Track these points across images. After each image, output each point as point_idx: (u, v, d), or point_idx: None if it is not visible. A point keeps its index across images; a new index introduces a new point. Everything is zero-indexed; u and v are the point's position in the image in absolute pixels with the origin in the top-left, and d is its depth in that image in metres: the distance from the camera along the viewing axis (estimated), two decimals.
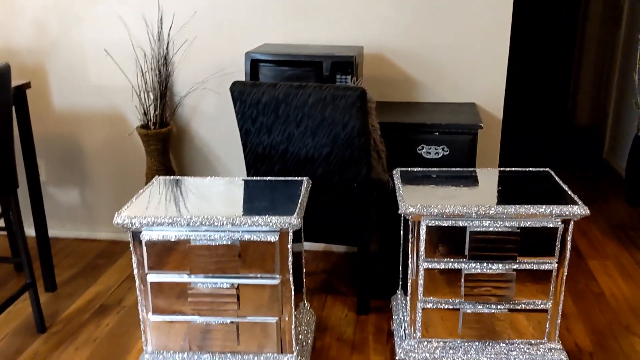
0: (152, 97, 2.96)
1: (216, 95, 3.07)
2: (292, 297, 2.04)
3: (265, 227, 1.93)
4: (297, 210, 1.98)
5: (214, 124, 3.12)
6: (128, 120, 3.15)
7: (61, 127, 3.23)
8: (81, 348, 2.43)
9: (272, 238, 1.95)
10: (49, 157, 3.27)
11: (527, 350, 2.16)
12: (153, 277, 2.03)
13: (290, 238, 1.97)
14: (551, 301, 2.11)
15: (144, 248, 2.00)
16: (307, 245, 3.17)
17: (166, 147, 3.02)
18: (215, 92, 3.06)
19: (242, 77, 2.85)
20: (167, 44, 2.99)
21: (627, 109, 4.35)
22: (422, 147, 2.57)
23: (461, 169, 2.41)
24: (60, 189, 3.32)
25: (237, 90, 2.31)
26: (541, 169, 2.36)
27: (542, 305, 2.12)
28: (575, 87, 5.98)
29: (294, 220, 1.92)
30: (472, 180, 2.31)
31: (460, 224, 2.03)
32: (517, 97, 4.69)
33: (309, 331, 2.32)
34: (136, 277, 2.05)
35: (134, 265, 2.04)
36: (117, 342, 2.47)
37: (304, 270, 2.41)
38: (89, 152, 3.26)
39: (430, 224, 2.03)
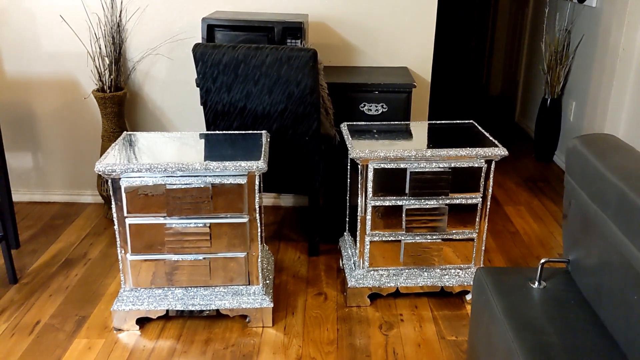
0: (107, 62, 3.10)
1: (168, 61, 3.25)
2: (259, 234, 2.32)
3: (236, 171, 2.19)
4: (262, 156, 2.24)
5: (166, 87, 3.30)
6: (82, 85, 3.28)
7: (12, 93, 3.30)
8: (55, 295, 2.60)
9: (242, 180, 2.21)
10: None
11: (457, 274, 2.54)
12: (132, 220, 2.25)
13: (257, 180, 2.23)
14: (477, 231, 2.50)
15: (123, 193, 2.20)
16: None
17: (122, 110, 3.17)
18: (167, 58, 3.24)
19: (192, 44, 3.04)
20: (120, 11, 3.13)
21: (535, 77, 4.87)
22: (364, 105, 2.89)
23: (399, 122, 2.75)
24: (12, 154, 3.39)
25: (199, 52, 2.52)
26: (466, 121, 2.73)
27: (469, 235, 2.50)
28: (489, 62, 6.51)
29: (260, 165, 2.19)
30: (408, 131, 2.65)
31: (402, 166, 2.37)
32: (440, 67, 5.10)
33: (270, 268, 2.61)
34: (115, 220, 2.26)
35: (113, 210, 2.24)
36: (88, 289, 2.66)
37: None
38: (42, 117, 3.35)
39: (376, 167, 2.36)
